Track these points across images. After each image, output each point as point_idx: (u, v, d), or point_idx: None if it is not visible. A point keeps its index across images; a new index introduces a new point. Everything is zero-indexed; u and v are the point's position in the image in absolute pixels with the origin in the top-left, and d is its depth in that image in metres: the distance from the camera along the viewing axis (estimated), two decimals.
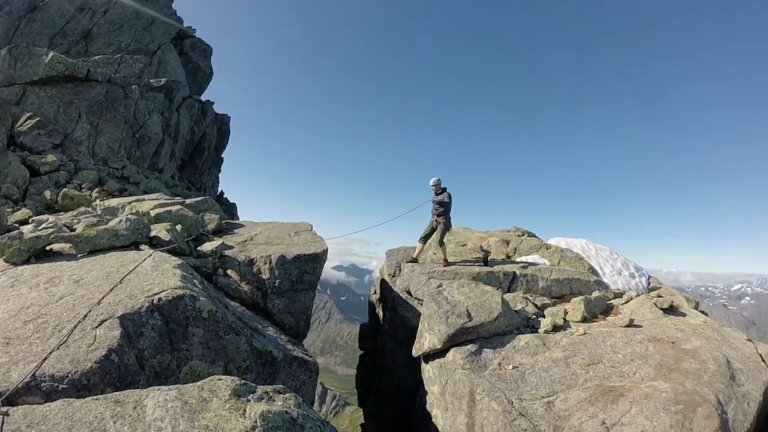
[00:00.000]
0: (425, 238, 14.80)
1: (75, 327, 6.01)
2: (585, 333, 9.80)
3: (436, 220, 14.51)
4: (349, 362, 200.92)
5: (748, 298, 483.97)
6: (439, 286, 12.39)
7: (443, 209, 14.29)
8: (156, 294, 6.78)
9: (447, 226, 14.38)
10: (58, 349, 5.63)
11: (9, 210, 14.91)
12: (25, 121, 24.97)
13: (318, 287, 11.71)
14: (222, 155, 49.86)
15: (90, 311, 6.34)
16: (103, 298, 6.68)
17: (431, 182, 14.55)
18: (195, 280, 7.95)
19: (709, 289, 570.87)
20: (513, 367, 8.69)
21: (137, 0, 46.01)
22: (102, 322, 6.12)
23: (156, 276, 7.54)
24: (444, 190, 14.42)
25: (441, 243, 14.26)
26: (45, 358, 5.42)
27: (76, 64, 28.95)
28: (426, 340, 10.02)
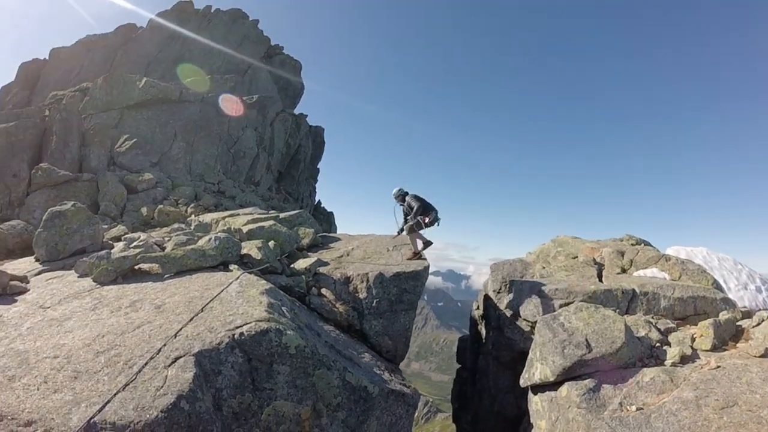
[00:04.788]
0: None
1: (146, 364, 5.40)
2: (718, 366, 8.39)
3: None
4: (443, 368, 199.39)
5: None
6: (551, 305, 11.21)
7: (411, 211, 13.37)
8: (238, 327, 6.13)
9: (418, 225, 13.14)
10: (124, 390, 5.04)
11: (106, 227, 15.08)
12: (123, 142, 25.99)
13: None
14: (318, 166, 50.72)
15: (165, 345, 5.75)
16: (180, 329, 6.07)
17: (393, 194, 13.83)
18: (284, 308, 7.29)
19: None
20: (636, 409, 7.46)
21: (224, 25, 47.68)
22: (176, 359, 5.51)
23: (240, 304, 6.95)
24: (402, 198, 13.64)
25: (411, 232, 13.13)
26: (108, 401, 4.84)
27: (169, 88, 30.23)
28: (537, 370, 8.93)
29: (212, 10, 51.63)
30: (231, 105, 31.82)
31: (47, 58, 50.91)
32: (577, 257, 15.79)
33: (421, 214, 13.13)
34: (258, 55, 48.40)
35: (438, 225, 13.51)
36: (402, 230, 13.58)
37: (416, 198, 13.34)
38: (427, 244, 13.06)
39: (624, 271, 14.81)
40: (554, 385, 8.56)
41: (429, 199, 13.26)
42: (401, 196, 13.63)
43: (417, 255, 12.90)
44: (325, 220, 43.67)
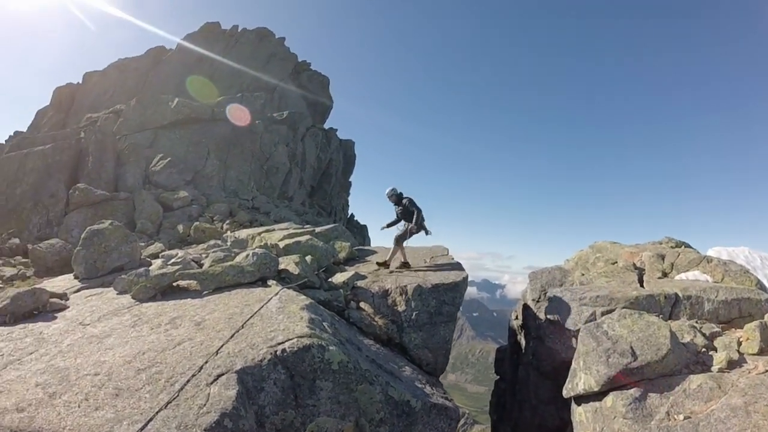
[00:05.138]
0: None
1: (188, 381, 5.36)
2: (766, 371, 8.09)
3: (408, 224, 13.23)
4: (480, 380, 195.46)
5: None
6: (592, 314, 10.97)
7: (402, 215, 13.28)
8: (280, 344, 6.06)
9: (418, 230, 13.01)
10: (166, 408, 4.99)
11: (143, 244, 15.36)
12: (158, 161, 26.50)
13: None
14: (350, 179, 50.97)
15: (206, 362, 5.71)
16: (222, 346, 6.03)
17: (386, 193, 13.56)
18: (324, 323, 7.24)
19: None
20: (684, 418, 7.23)
21: (251, 44, 48.47)
22: (218, 376, 5.45)
23: (281, 320, 6.89)
24: (397, 197, 13.32)
25: (400, 242, 13.00)
26: (150, 419, 4.79)
27: (201, 107, 31.03)
28: (581, 381, 8.72)
29: (239, 30, 52.89)
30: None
31: (80, 82, 52.66)
32: (616, 263, 15.43)
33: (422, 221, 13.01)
34: (286, 72, 49.33)
35: (427, 234, 13.31)
36: (390, 225, 13.44)
37: (414, 202, 13.17)
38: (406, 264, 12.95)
39: (665, 275, 14.40)
40: (598, 395, 8.36)
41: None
42: (396, 196, 13.33)
43: (407, 265, 12.77)
44: (358, 233, 43.86)
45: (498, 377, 17.96)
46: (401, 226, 13.28)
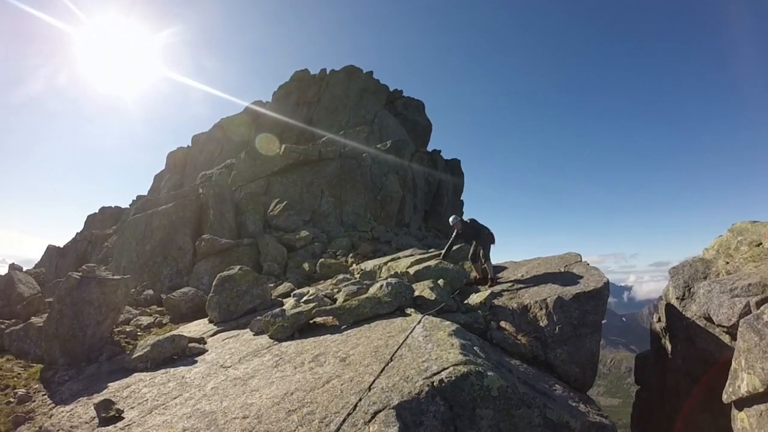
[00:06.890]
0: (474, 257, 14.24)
1: (344, 421, 5.18)
2: None
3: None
4: (612, 391, 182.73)
5: None
6: (746, 306, 9.97)
7: (473, 236, 14.19)
8: (435, 374, 5.79)
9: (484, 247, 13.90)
10: None
11: (272, 285, 15.99)
12: (275, 206, 27.54)
13: None
14: (461, 197, 50.68)
15: (360, 399, 5.52)
16: (374, 381, 5.85)
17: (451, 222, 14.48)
18: (475, 347, 6.95)
19: None
20: None
21: (341, 83, 49.66)
22: (375, 414, 5.22)
23: (431, 349, 6.64)
24: (464, 222, 14.18)
25: (476, 261, 13.80)
26: None
27: (307, 149, 32.19)
28: (743, 382, 7.86)
29: (327, 72, 55.39)
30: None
31: (190, 144, 56.87)
32: (761, 244, 14.10)
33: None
34: (380, 103, 50.44)
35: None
36: (450, 249, 14.41)
37: (477, 221, 14.04)
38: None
39: None
40: (763, 397, 7.56)
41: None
42: (460, 221, 14.12)
43: (489, 281, 12.92)
44: None
45: (639, 387, 16.83)
46: (469, 246, 14.27)
